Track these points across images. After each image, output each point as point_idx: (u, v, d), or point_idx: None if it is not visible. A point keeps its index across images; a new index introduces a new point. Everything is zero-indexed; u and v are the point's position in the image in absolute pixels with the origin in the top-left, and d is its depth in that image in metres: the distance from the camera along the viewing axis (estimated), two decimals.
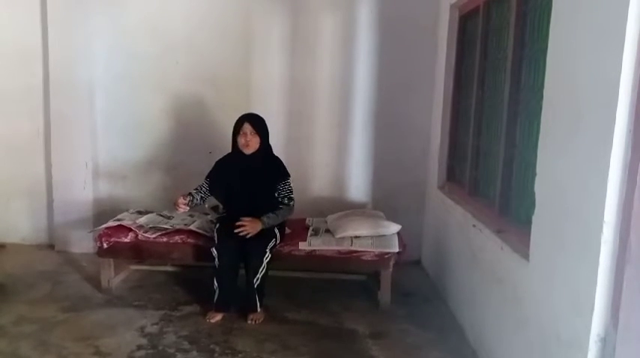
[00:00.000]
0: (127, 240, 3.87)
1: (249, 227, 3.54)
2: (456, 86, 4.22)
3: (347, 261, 3.76)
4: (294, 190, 3.82)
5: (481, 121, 3.63)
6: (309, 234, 3.91)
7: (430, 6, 4.57)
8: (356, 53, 4.70)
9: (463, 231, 3.57)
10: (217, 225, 3.76)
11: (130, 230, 3.89)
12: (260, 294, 3.57)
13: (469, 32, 4.03)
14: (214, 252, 3.56)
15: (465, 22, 4.11)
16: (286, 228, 3.90)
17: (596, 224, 1.86)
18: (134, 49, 4.74)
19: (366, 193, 4.89)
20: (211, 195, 3.87)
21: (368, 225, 3.91)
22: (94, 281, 4.08)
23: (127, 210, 4.36)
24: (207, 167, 3.93)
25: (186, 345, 3.21)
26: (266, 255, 3.55)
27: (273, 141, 3.88)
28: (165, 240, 3.85)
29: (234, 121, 3.77)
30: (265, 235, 3.61)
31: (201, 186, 3.83)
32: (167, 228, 3.90)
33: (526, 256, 2.51)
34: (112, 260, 3.96)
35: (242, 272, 3.63)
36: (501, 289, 2.83)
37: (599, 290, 1.86)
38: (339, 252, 3.75)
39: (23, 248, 4.95)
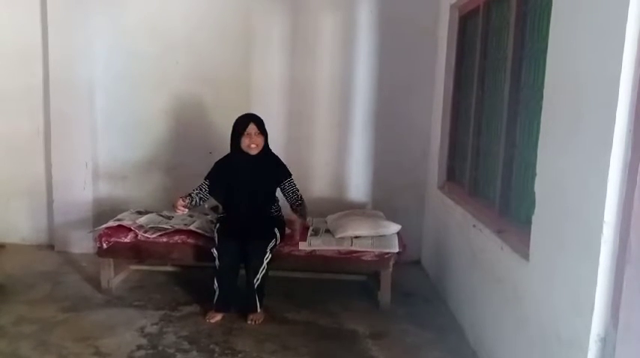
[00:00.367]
0: (126, 240, 3.87)
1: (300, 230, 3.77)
2: (456, 86, 4.22)
3: (347, 261, 3.76)
4: None
5: (481, 121, 3.63)
6: (309, 234, 3.90)
7: (430, 6, 4.57)
8: (356, 53, 4.70)
9: (463, 231, 3.57)
10: (217, 225, 3.76)
11: (130, 230, 3.89)
12: (260, 294, 3.57)
13: (469, 32, 4.03)
14: (215, 252, 3.56)
15: (464, 22, 4.11)
16: (286, 228, 3.90)
17: (596, 224, 1.86)
18: (134, 49, 4.74)
19: (366, 193, 4.89)
20: (211, 196, 3.87)
21: (368, 225, 3.91)
22: (94, 282, 4.07)
23: (127, 210, 4.36)
24: (207, 167, 3.93)
25: (186, 345, 3.21)
26: (266, 255, 3.55)
27: (273, 141, 3.89)
28: (165, 240, 3.85)
29: (234, 121, 3.77)
30: (265, 235, 3.61)
31: (200, 187, 3.83)
32: (167, 228, 3.90)
33: (526, 256, 2.51)
34: (111, 260, 3.96)
35: (242, 272, 3.63)
36: (501, 289, 2.83)
37: (599, 290, 1.86)
38: (339, 252, 3.75)
39: (23, 248, 4.95)
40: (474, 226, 3.31)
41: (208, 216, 4.15)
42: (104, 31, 4.71)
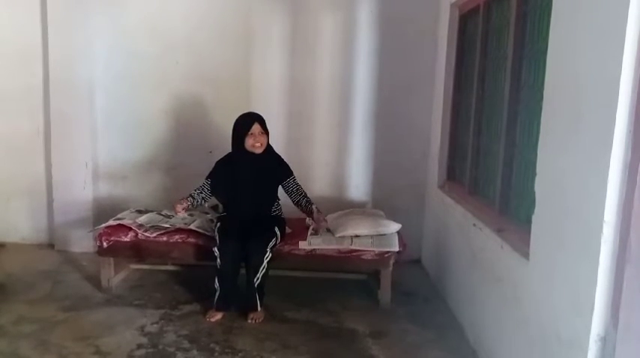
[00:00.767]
0: (127, 239, 3.87)
1: (323, 224, 3.81)
2: (456, 85, 4.22)
3: (347, 260, 3.76)
4: None
5: (481, 121, 3.63)
6: (309, 234, 3.91)
7: (430, 5, 4.57)
8: (356, 53, 4.70)
9: (463, 230, 3.57)
10: (218, 224, 3.76)
11: (130, 229, 3.90)
12: (260, 293, 3.57)
13: (469, 32, 4.03)
14: (216, 251, 3.56)
15: (465, 22, 4.11)
16: (286, 227, 3.91)
17: (597, 223, 1.86)
18: (134, 49, 4.74)
19: (366, 193, 4.89)
20: (213, 195, 3.87)
21: (368, 224, 3.92)
22: (94, 281, 4.08)
23: (127, 210, 4.36)
24: (207, 167, 3.93)
25: (186, 344, 3.21)
26: (266, 254, 3.55)
27: (273, 141, 3.89)
28: (165, 239, 3.85)
29: (234, 121, 3.78)
30: (266, 234, 3.61)
31: (202, 187, 3.83)
32: (167, 227, 3.90)
33: (526, 255, 2.52)
34: (112, 259, 3.96)
35: (242, 271, 3.63)
36: (501, 288, 2.83)
37: (599, 290, 1.87)
38: (339, 251, 3.75)
39: (23, 247, 4.95)
40: (474, 225, 3.31)
41: (208, 215, 4.15)
42: (104, 31, 4.71)
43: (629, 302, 1.80)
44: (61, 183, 4.78)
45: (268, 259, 3.56)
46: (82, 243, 4.75)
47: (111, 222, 4.00)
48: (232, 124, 3.80)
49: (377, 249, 3.74)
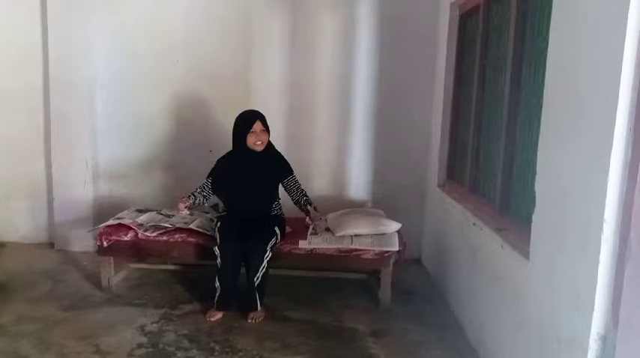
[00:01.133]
0: (127, 238, 3.87)
1: (322, 224, 3.81)
2: (456, 84, 4.22)
3: (347, 259, 3.76)
4: None
5: (481, 120, 3.63)
6: (309, 233, 3.91)
7: (430, 5, 4.57)
8: (356, 51, 4.70)
9: (463, 230, 3.57)
10: (218, 224, 3.76)
11: (130, 228, 3.90)
12: (260, 293, 3.57)
13: (469, 31, 4.03)
14: (216, 251, 3.56)
15: (465, 21, 4.11)
16: (287, 226, 3.91)
17: (597, 222, 1.86)
18: (134, 48, 4.74)
19: (367, 192, 4.89)
20: (214, 193, 3.87)
21: (368, 224, 3.92)
22: (94, 280, 4.08)
23: (127, 209, 4.36)
24: (208, 165, 3.93)
25: (186, 344, 3.21)
26: (267, 254, 3.55)
27: (273, 139, 3.90)
28: (165, 238, 3.85)
29: (235, 119, 3.78)
30: (266, 233, 3.61)
31: (203, 186, 3.83)
32: (167, 227, 3.90)
33: (526, 254, 2.52)
34: (112, 258, 3.96)
35: (242, 270, 3.63)
36: (501, 287, 2.83)
37: (599, 289, 1.87)
38: (339, 250, 3.75)
39: (23, 246, 4.95)
40: (474, 224, 3.31)
41: (208, 215, 4.15)
42: (104, 30, 4.71)
43: (630, 301, 1.80)
44: (61, 182, 4.79)
45: (268, 258, 3.56)
46: (82, 242, 4.74)
47: (111, 222, 4.00)
48: (232, 123, 3.80)
49: (377, 248, 3.73)
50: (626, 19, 1.73)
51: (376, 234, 3.86)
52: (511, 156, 3.04)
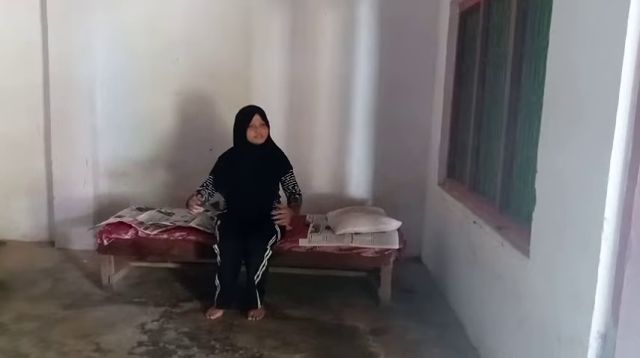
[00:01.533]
0: (127, 236, 3.87)
1: (286, 217, 3.67)
2: (457, 83, 4.22)
3: (347, 257, 3.76)
4: None
5: (481, 118, 3.63)
6: (309, 231, 3.91)
7: (430, 3, 4.57)
8: (356, 50, 4.69)
9: (463, 228, 3.57)
10: (218, 222, 3.76)
11: (131, 227, 3.90)
12: (260, 291, 3.57)
13: (469, 29, 4.02)
14: (216, 249, 3.56)
15: (465, 19, 4.10)
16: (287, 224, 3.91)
17: (597, 221, 1.86)
18: (134, 46, 4.73)
19: (367, 190, 4.89)
20: (216, 190, 3.87)
21: (368, 222, 3.92)
22: (95, 278, 4.08)
23: (128, 207, 4.36)
24: (208, 163, 3.93)
25: (186, 342, 3.21)
26: (267, 252, 3.55)
27: (273, 137, 3.89)
28: (165, 236, 3.85)
29: (237, 114, 3.78)
30: (266, 232, 3.61)
31: (207, 184, 3.83)
32: (167, 225, 3.90)
33: (526, 253, 2.52)
34: (112, 257, 3.96)
35: (242, 268, 3.63)
36: (502, 285, 2.83)
37: (599, 287, 1.87)
38: (339, 248, 3.75)
39: (23, 245, 4.95)
40: (475, 223, 3.31)
41: (209, 213, 4.15)
42: (104, 29, 4.70)
43: (630, 300, 1.80)
44: (61, 180, 4.79)
45: (268, 257, 3.57)
46: (83, 240, 4.74)
47: (111, 220, 4.00)
48: (232, 121, 3.80)
49: (377, 247, 3.73)
50: (627, 18, 1.73)
51: (376, 232, 3.86)
52: (511, 154, 3.04)
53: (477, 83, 3.65)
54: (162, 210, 4.25)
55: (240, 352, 3.11)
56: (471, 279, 3.39)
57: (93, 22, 4.66)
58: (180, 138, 4.85)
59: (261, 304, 3.58)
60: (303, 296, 3.90)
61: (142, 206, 4.39)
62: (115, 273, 4.02)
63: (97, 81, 4.77)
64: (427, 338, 3.33)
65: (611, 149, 1.79)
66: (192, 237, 3.85)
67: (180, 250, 3.89)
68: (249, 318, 3.51)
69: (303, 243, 3.77)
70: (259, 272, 3.53)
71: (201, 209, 3.67)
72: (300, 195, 3.87)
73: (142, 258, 4.33)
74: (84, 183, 4.79)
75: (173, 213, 4.16)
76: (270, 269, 3.64)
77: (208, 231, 3.83)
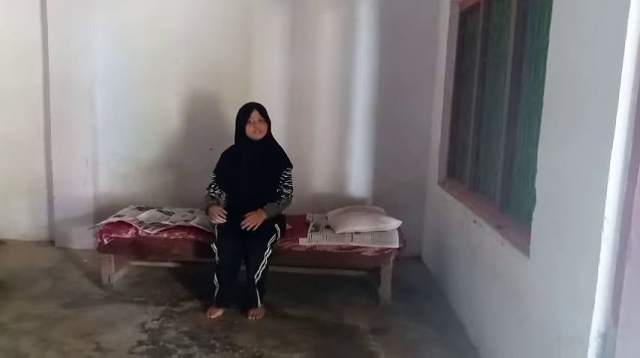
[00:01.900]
0: (127, 236, 3.87)
1: (252, 219, 3.56)
2: (457, 82, 4.22)
3: (347, 256, 3.76)
4: (294, 186, 3.86)
5: (481, 118, 3.63)
6: (309, 230, 3.91)
7: (430, 2, 4.57)
8: (356, 50, 4.69)
9: (463, 227, 3.57)
10: None
11: (131, 226, 3.90)
12: (260, 290, 3.58)
13: (469, 29, 4.02)
14: (214, 248, 3.57)
15: (465, 19, 4.10)
16: (287, 223, 3.91)
17: (597, 220, 1.86)
18: (134, 46, 4.73)
19: (367, 189, 4.89)
20: (220, 188, 3.85)
21: (368, 221, 3.92)
22: (95, 278, 4.08)
23: (128, 207, 4.36)
24: (208, 163, 3.94)
25: (186, 341, 3.22)
26: (267, 251, 3.56)
27: (273, 136, 3.89)
28: (165, 236, 3.85)
29: (235, 116, 3.78)
30: (266, 231, 3.62)
31: (215, 185, 3.83)
32: (167, 224, 3.90)
33: (526, 252, 2.52)
34: (112, 256, 3.96)
35: (242, 268, 3.63)
36: (502, 285, 2.83)
37: (599, 287, 1.87)
38: (339, 247, 3.76)
39: (24, 244, 4.95)
40: (475, 222, 3.32)
41: None
42: (104, 28, 4.70)
43: (630, 299, 1.80)
44: (61, 180, 4.79)
45: (268, 256, 3.57)
46: (83, 240, 4.74)
47: (111, 219, 4.01)
48: (233, 121, 3.81)
49: (377, 246, 3.74)
50: (627, 18, 1.73)
51: (376, 232, 3.86)
52: (511, 154, 3.04)
53: (476, 83, 3.65)
54: (163, 210, 4.25)
55: (241, 351, 3.12)
56: (471, 279, 3.40)
57: (93, 21, 4.66)
58: (181, 137, 4.84)
59: (261, 303, 3.58)
60: (303, 296, 3.90)
61: (142, 205, 4.39)
62: (115, 272, 4.02)
63: (97, 81, 4.77)
64: (427, 338, 3.34)
65: (611, 149, 1.79)
66: (192, 236, 3.85)
67: (181, 249, 3.89)
68: (250, 317, 3.51)
69: (303, 242, 3.78)
70: (259, 272, 3.54)
71: (224, 220, 3.60)
72: (286, 195, 3.78)
73: (142, 257, 4.34)
74: (84, 183, 4.79)
75: (173, 213, 4.17)
76: (270, 269, 3.64)
77: (208, 231, 3.83)
